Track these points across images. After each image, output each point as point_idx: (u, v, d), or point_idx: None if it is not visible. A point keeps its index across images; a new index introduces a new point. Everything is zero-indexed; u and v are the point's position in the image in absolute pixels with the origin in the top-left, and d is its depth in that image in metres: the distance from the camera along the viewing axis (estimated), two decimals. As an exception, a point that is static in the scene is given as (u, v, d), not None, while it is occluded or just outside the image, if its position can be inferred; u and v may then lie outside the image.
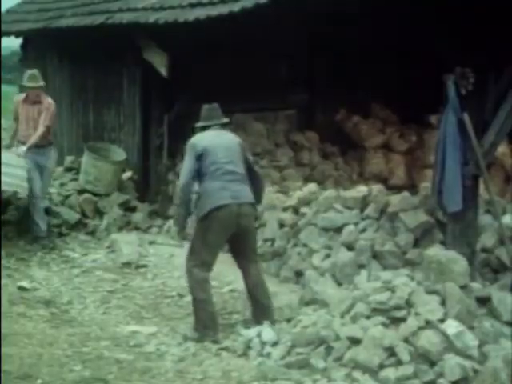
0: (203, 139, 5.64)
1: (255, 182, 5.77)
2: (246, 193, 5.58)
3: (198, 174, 5.58)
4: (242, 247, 5.67)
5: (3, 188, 7.54)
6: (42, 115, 7.86)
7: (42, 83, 8.02)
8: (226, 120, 5.89)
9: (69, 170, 9.44)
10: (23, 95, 8.11)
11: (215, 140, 5.64)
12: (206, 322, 5.43)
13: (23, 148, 7.74)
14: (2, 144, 9.80)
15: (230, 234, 5.53)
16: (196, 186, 5.65)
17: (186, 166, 5.60)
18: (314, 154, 9.85)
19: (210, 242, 5.50)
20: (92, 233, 8.48)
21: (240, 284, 6.73)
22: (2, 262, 6.97)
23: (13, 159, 7.63)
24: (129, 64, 9.32)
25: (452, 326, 4.58)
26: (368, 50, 9.59)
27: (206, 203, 5.51)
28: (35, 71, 8.03)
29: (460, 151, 5.72)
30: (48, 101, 8.00)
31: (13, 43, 14.15)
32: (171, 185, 8.79)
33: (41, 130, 7.82)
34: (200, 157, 5.54)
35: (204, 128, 5.77)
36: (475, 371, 4.44)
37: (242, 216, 5.50)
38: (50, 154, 8.08)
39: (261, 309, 5.62)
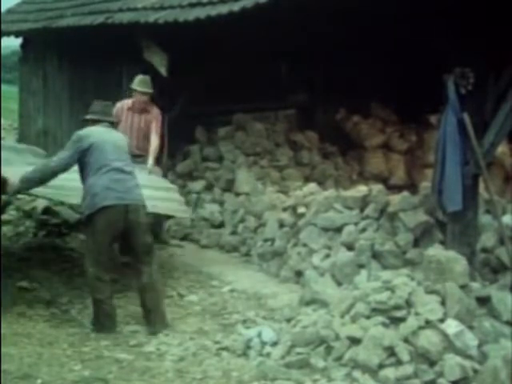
0: (91, 134, 5.58)
1: None
2: (133, 193, 5.51)
3: (82, 170, 5.53)
4: (131, 246, 5.61)
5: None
6: (153, 125, 7.52)
7: (152, 90, 7.65)
8: (113, 119, 5.98)
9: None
10: (128, 101, 7.65)
11: (104, 136, 5.60)
12: (104, 322, 5.46)
13: (150, 164, 7.32)
14: (1, 144, 9.77)
15: (117, 233, 5.47)
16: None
17: (66, 155, 5.50)
18: (314, 153, 9.85)
19: (98, 241, 5.44)
20: (92, 233, 8.47)
21: (240, 284, 6.75)
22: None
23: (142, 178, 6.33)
24: (129, 64, 9.31)
25: (452, 326, 4.59)
26: (368, 50, 9.59)
27: (92, 202, 5.42)
28: (147, 77, 7.68)
29: (460, 151, 5.73)
30: (156, 110, 7.67)
31: (13, 43, 14.16)
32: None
33: (156, 141, 7.49)
34: (85, 152, 5.47)
35: (94, 122, 5.75)
36: (475, 371, 4.45)
37: (129, 216, 5.42)
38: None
39: (147, 314, 5.55)
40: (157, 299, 5.60)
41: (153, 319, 5.54)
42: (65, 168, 5.53)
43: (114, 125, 5.95)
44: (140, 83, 7.62)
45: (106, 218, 5.39)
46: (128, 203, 5.44)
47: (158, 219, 7.48)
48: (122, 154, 5.61)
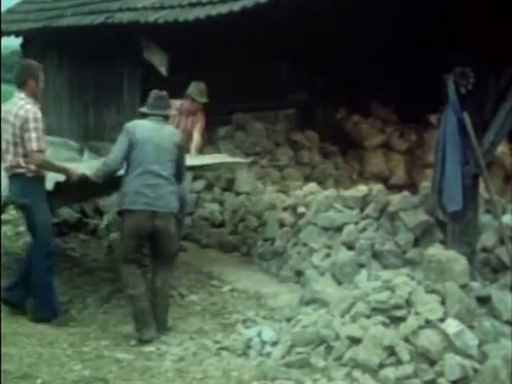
0: (139, 129, 5.53)
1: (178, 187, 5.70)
2: (164, 201, 5.44)
3: (126, 160, 5.54)
4: (155, 250, 5.61)
5: None
6: (197, 125, 7.56)
7: (207, 100, 7.62)
8: (168, 112, 5.74)
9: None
10: (176, 103, 7.33)
11: (150, 133, 5.51)
12: (137, 318, 5.43)
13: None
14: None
15: (143, 236, 5.48)
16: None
17: (120, 147, 5.50)
18: (314, 153, 9.85)
19: (126, 239, 5.51)
20: (92, 232, 8.48)
21: (240, 284, 6.75)
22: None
23: None
24: (129, 64, 9.31)
25: (452, 326, 4.59)
26: (368, 49, 9.59)
27: (121, 201, 5.50)
28: (203, 85, 7.62)
29: (460, 151, 5.72)
30: (201, 112, 7.69)
31: (13, 43, 14.14)
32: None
33: (199, 139, 7.53)
34: (131, 146, 5.46)
35: (145, 116, 5.68)
36: (475, 370, 4.45)
37: (156, 222, 5.40)
38: None
39: (154, 315, 5.51)
40: (163, 306, 5.58)
41: (153, 323, 5.47)
42: (122, 160, 5.52)
43: (167, 118, 5.74)
44: (199, 93, 7.57)
45: (132, 222, 5.42)
46: (156, 210, 5.40)
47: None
48: (162, 156, 5.48)
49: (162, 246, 5.52)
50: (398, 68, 9.83)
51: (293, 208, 7.31)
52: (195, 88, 7.58)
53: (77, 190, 6.04)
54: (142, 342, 5.33)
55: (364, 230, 6.56)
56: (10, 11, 12.62)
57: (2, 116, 5.62)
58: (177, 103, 7.40)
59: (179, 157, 5.63)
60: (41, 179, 5.59)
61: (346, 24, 8.92)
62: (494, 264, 5.99)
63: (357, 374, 4.55)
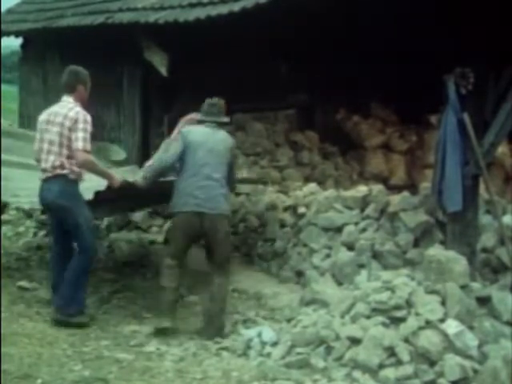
0: (192, 134, 5.69)
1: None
2: (214, 202, 5.54)
3: (180, 164, 5.68)
4: (208, 253, 5.73)
5: None
6: None
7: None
8: (224, 119, 5.88)
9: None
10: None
11: (203, 138, 5.66)
12: (161, 307, 5.60)
13: None
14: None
15: (193, 237, 5.64)
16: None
17: (174, 149, 5.66)
18: (314, 153, 9.85)
19: (176, 238, 5.66)
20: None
21: (240, 284, 6.75)
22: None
23: None
24: (129, 64, 9.31)
25: (452, 326, 4.59)
26: (368, 49, 9.58)
27: (173, 202, 5.65)
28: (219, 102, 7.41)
29: (460, 151, 5.73)
30: None
31: (13, 43, 14.15)
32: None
33: None
34: (185, 150, 5.61)
35: (200, 122, 5.83)
36: (475, 371, 4.45)
37: (206, 224, 5.53)
38: None
39: (207, 320, 5.58)
40: (219, 310, 5.59)
41: (210, 327, 5.54)
42: (175, 162, 5.68)
43: (221, 124, 5.87)
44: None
45: (183, 223, 5.58)
46: (206, 212, 5.51)
47: None
48: (213, 159, 5.60)
49: (213, 249, 5.64)
50: (398, 68, 9.83)
51: (293, 208, 7.31)
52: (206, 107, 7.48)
53: (118, 199, 6.09)
54: (157, 329, 5.49)
55: (364, 230, 6.56)
56: (9, 11, 12.61)
57: (46, 118, 5.68)
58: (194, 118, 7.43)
59: (231, 161, 5.79)
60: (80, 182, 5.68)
61: (345, 24, 8.92)
62: (494, 264, 6.00)
63: (357, 374, 4.55)
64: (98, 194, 5.67)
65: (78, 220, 5.56)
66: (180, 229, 5.61)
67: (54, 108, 5.71)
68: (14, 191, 6.62)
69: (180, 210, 5.58)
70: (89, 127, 5.53)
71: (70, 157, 5.52)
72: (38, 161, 5.68)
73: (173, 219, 5.78)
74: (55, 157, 5.54)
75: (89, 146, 5.53)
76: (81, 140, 5.46)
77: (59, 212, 5.63)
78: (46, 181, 5.61)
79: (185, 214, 5.55)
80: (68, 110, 5.58)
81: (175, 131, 6.54)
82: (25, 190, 6.47)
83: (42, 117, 5.74)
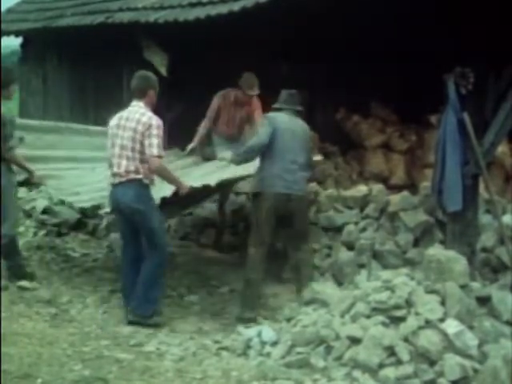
0: (276, 120, 5.94)
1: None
2: (298, 184, 5.88)
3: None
4: (288, 232, 6.02)
5: None
6: (256, 114, 7.70)
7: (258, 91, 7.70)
8: (299, 108, 6.13)
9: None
10: (229, 95, 7.73)
11: (285, 124, 5.93)
12: (245, 298, 5.79)
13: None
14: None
15: (278, 217, 5.84)
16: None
17: (266, 131, 5.85)
18: (314, 153, 9.83)
19: (261, 221, 5.82)
20: (92, 232, 8.48)
21: (240, 284, 6.74)
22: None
23: None
24: (129, 64, 9.30)
25: (452, 326, 4.59)
26: (368, 49, 9.58)
27: (259, 184, 5.87)
28: (253, 77, 7.67)
29: (460, 151, 5.73)
30: (257, 101, 7.78)
31: (13, 43, 14.13)
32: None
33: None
34: (273, 133, 5.83)
35: (277, 110, 6.07)
36: (475, 371, 4.45)
37: (291, 204, 5.81)
38: None
39: (296, 272, 6.02)
40: (308, 273, 6.04)
41: (300, 277, 5.97)
42: (266, 143, 5.83)
43: (299, 113, 6.14)
44: (248, 86, 7.59)
45: (270, 203, 5.79)
46: (292, 193, 5.83)
47: None
48: (297, 144, 5.92)
49: (298, 225, 5.92)
50: (398, 68, 9.83)
51: (293, 208, 7.30)
52: (245, 81, 7.65)
53: (177, 201, 6.17)
54: (241, 319, 5.70)
55: (364, 230, 6.56)
56: (9, 11, 12.62)
57: (116, 122, 5.72)
58: (230, 95, 7.66)
59: (309, 146, 6.17)
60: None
61: (346, 24, 8.91)
62: (494, 264, 6.00)
63: (357, 373, 4.55)
64: (164, 198, 5.77)
65: (153, 223, 5.62)
66: (267, 210, 5.79)
67: (125, 113, 5.71)
68: (71, 189, 6.61)
69: (268, 190, 5.78)
70: (161, 133, 5.58)
71: (142, 161, 5.55)
72: (110, 166, 5.69)
73: (257, 201, 5.89)
74: (128, 161, 5.56)
75: (163, 153, 5.60)
76: (155, 146, 5.49)
77: (135, 215, 5.64)
78: (119, 185, 5.63)
79: (272, 194, 5.77)
80: (140, 115, 5.59)
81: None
82: (83, 187, 6.47)
83: (113, 122, 5.75)
